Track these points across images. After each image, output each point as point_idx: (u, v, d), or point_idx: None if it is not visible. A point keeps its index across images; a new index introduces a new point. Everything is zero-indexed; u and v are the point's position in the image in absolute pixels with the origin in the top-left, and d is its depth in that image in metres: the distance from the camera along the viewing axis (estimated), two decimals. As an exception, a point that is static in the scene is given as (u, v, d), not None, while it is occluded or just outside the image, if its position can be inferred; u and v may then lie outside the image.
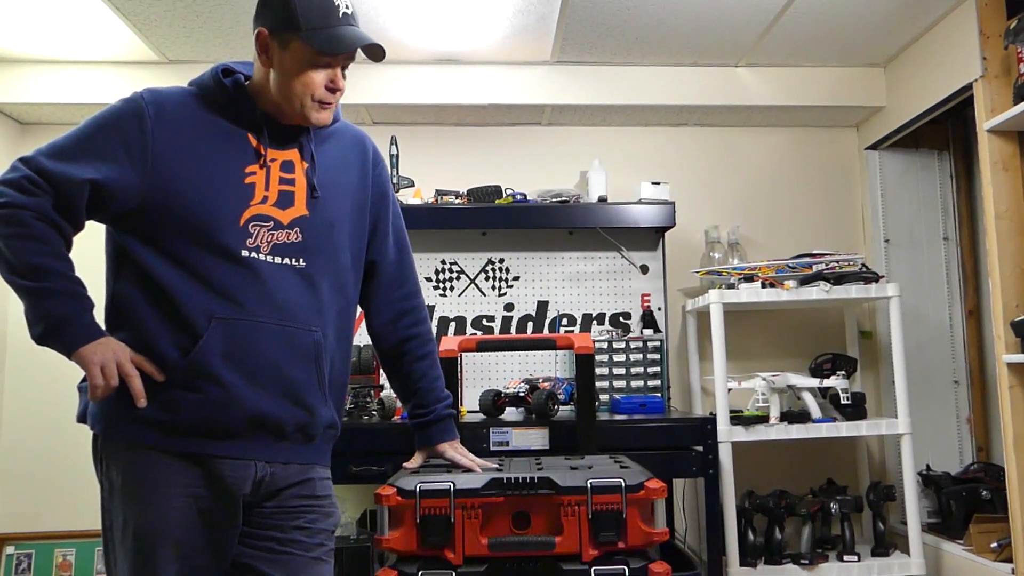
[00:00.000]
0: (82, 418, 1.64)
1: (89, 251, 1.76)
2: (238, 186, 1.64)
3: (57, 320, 1.51)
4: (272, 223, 1.65)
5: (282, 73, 1.64)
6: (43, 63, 3.37)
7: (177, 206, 1.58)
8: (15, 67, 3.36)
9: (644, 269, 3.56)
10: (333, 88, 1.67)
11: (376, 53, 1.68)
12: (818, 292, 3.11)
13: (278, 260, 1.65)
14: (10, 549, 3.43)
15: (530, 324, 3.53)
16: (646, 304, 3.53)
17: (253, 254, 1.62)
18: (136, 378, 1.53)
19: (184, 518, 1.56)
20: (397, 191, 3.26)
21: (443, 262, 3.52)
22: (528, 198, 3.38)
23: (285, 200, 1.68)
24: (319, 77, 1.65)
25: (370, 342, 2.03)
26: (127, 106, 1.62)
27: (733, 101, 3.54)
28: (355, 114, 3.57)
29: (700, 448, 2.73)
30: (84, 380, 1.58)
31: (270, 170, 1.68)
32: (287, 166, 1.70)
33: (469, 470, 2.01)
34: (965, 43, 2.95)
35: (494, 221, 3.38)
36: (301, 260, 1.68)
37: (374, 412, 2.91)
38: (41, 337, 1.51)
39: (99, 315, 1.58)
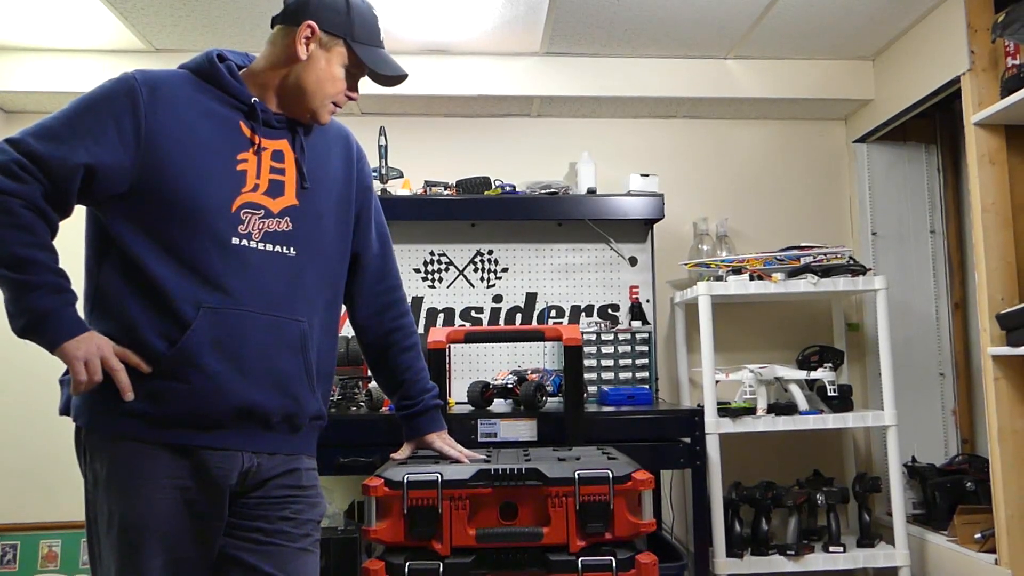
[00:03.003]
0: (65, 411, 1.62)
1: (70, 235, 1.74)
2: (230, 172, 1.62)
3: (40, 314, 1.48)
4: (263, 211, 1.65)
5: (314, 69, 1.69)
6: (29, 51, 3.33)
7: (168, 190, 1.56)
8: (0, 55, 3.33)
9: (633, 261, 3.56)
10: (351, 97, 1.78)
11: (398, 83, 1.79)
12: (806, 285, 3.12)
13: (269, 247, 1.65)
14: (-5, 540, 3.42)
15: (519, 316, 3.53)
16: (634, 296, 3.53)
17: (244, 241, 1.61)
18: (122, 372, 1.51)
19: (170, 510, 1.55)
20: (386, 182, 3.26)
21: (432, 253, 3.52)
22: (517, 190, 3.38)
23: (276, 189, 1.68)
24: (346, 83, 1.75)
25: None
26: (119, 86, 1.59)
27: (722, 93, 3.54)
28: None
29: (687, 440, 2.74)
30: (66, 374, 1.56)
31: (261, 158, 1.67)
32: (277, 155, 1.70)
33: (457, 461, 2.02)
34: (953, 37, 2.96)
35: (483, 212, 3.37)
36: (292, 249, 1.68)
37: (362, 403, 2.91)
38: (23, 330, 1.49)
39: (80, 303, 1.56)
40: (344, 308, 1.92)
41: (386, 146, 3.26)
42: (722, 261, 3.25)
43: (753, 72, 3.55)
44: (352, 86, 1.77)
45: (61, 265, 1.53)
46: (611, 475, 1.89)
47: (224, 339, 1.56)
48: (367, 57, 1.72)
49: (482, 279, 3.53)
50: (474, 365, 3.47)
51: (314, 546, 1.72)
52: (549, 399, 2.81)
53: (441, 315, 3.50)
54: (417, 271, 3.50)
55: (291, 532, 1.67)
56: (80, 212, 1.62)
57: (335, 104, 1.75)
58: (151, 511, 1.53)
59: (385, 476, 1.92)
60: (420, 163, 3.56)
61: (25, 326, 1.48)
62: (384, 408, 2.86)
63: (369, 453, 2.57)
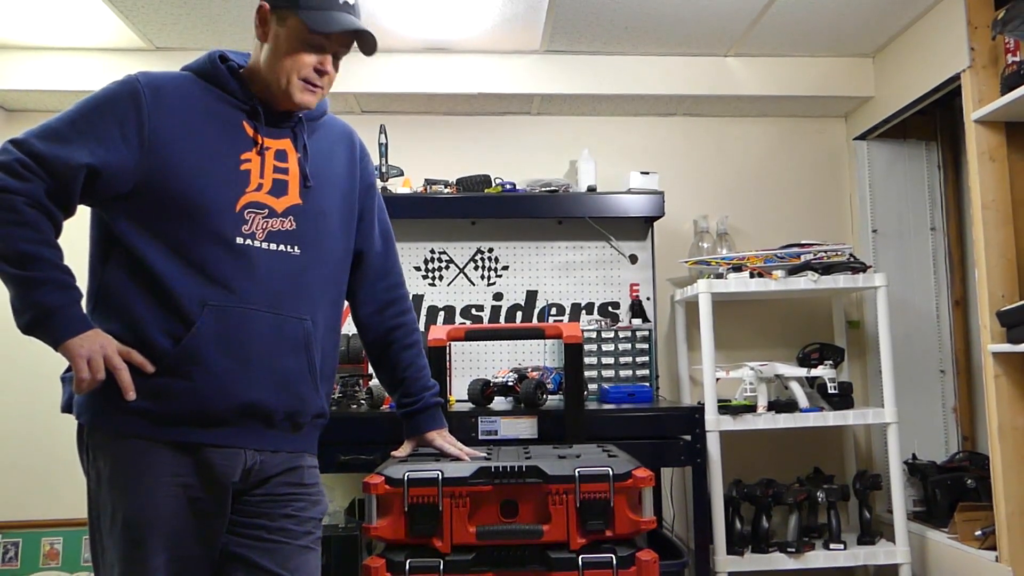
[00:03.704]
0: (67, 408, 1.63)
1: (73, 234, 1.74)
2: (234, 172, 1.63)
3: (45, 311, 1.48)
4: (267, 211, 1.65)
5: (275, 49, 1.66)
6: (30, 50, 3.33)
7: (172, 190, 1.57)
8: (1, 54, 3.33)
9: (633, 259, 3.56)
10: (321, 71, 1.68)
11: (367, 43, 1.70)
12: (806, 282, 3.12)
13: (273, 247, 1.65)
14: (-4, 538, 3.42)
15: (519, 314, 3.53)
16: (635, 294, 3.53)
17: (248, 240, 1.62)
18: (124, 371, 1.51)
19: (174, 507, 1.56)
20: (386, 180, 3.26)
21: (432, 251, 3.52)
22: (517, 187, 3.37)
23: (279, 188, 1.68)
24: (310, 58, 1.66)
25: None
26: (122, 88, 1.60)
27: (722, 91, 3.54)
28: (344, 103, 3.55)
29: (688, 437, 2.75)
30: (68, 371, 1.57)
31: (265, 157, 1.68)
32: (281, 155, 1.70)
33: (457, 459, 2.02)
34: (953, 34, 2.96)
35: (483, 210, 3.37)
36: (295, 248, 1.69)
37: (363, 401, 2.92)
38: (28, 327, 1.50)
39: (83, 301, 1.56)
40: (346, 305, 1.92)
41: (386, 144, 3.26)
42: (722, 259, 3.25)
43: (753, 70, 3.55)
44: (321, 59, 1.67)
45: (66, 262, 1.54)
46: (611, 473, 1.89)
47: (228, 337, 1.57)
48: (313, 20, 1.61)
49: (482, 277, 3.53)
50: (474, 363, 3.47)
51: (316, 544, 1.73)
52: (549, 397, 2.81)
53: (441, 313, 3.50)
54: (417, 269, 3.50)
55: (293, 530, 1.67)
56: (84, 211, 1.62)
57: (309, 83, 1.67)
58: (154, 509, 1.54)
59: (386, 474, 1.92)
60: (420, 161, 3.55)
61: (30, 322, 1.49)
62: (385, 406, 2.86)
63: (370, 451, 2.58)
